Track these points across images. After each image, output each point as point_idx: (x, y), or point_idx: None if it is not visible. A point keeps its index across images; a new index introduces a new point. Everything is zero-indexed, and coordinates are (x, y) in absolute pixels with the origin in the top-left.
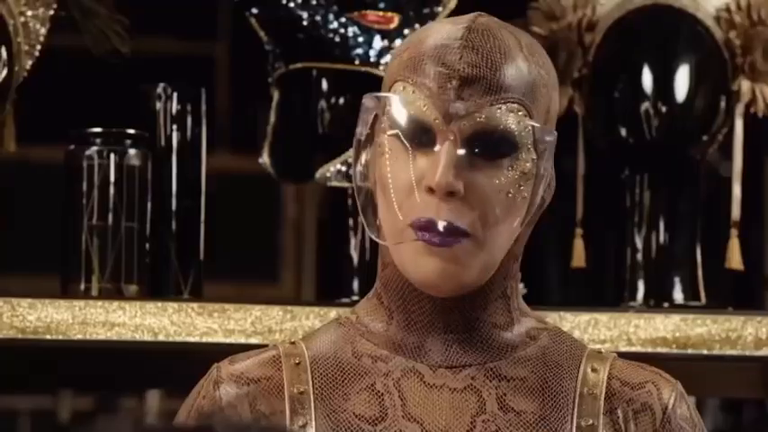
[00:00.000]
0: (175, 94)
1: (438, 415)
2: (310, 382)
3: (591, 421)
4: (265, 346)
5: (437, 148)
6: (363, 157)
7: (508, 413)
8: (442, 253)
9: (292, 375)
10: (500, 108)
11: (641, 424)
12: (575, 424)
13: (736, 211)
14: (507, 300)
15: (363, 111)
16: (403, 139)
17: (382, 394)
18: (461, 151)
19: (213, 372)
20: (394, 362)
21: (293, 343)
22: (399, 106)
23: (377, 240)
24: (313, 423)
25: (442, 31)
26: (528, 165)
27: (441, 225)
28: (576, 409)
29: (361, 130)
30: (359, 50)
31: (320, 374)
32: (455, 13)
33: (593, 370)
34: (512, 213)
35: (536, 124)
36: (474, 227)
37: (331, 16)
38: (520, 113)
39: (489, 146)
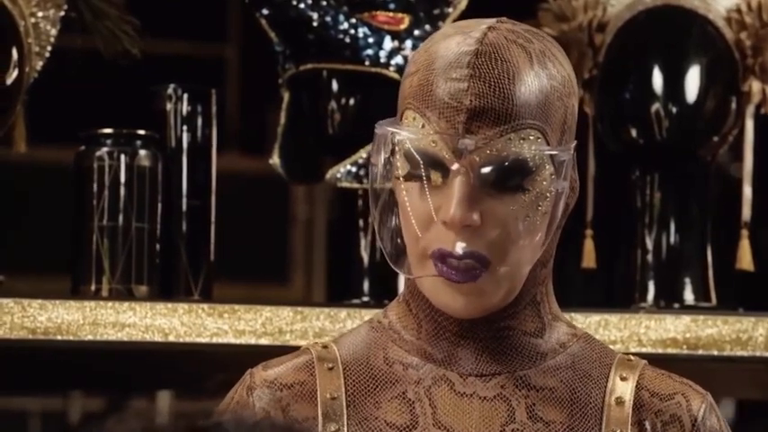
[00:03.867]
0: (186, 96)
1: (468, 423)
2: (343, 388)
3: (619, 430)
4: (276, 347)
5: (450, 178)
6: (379, 177)
7: (537, 423)
8: (463, 287)
9: (325, 381)
10: (510, 137)
11: None
12: None
13: (746, 212)
14: (537, 305)
15: (376, 138)
16: (417, 168)
17: (413, 402)
18: (474, 183)
19: (246, 377)
20: (425, 369)
21: (326, 347)
22: (410, 140)
23: (397, 270)
24: (345, 429)
25: (450, 52)
26: (545, 183)
27: (458, 251)
28: (604, 420)
29: (376, 157)
30: (369, 51)
31: (353, 381)
32: (465, 13)
33: (623, 379)
34: (531, 233)
35: (551, 150)
36: (493, 254)
37: (341, 17)
38: (532, 137)
39: (503, 175)
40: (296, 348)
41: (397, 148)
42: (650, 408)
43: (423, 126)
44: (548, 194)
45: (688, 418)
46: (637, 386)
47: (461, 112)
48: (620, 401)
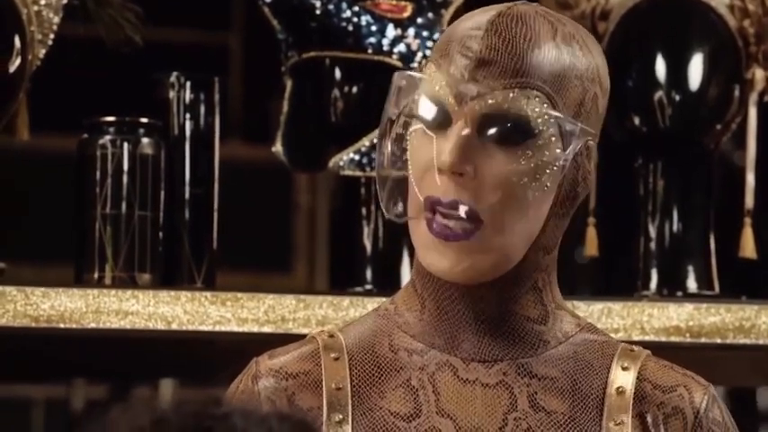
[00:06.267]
0: (189, 83)
1: (471, 411)
2: (348, 379)
3: (620, 420)
4: (279, 335)
5: (451, 126)
6: (394, 134)
7: (539, 412)
8: (452, 245)
9: (330, 371)
10: (514, 92)
11: (672, 428)
12: (604, 425)
13: (749, 200)
14: (539, 292)
15: (392, 87)
16: (424, 119)
17: (417, 390)
18: (472, 132)
19: (252, 366)
20: (429, 355)
21: (332, 336)
22: (421, 87)
23: (389, 217)
24: (350, 420)
25: (477, 17)
26: (548, 153)
27: (446, 202)
28: (605, 410)
29: (392, 110)
30: (372, 39)
31: (358, 370)
32: (468, 1)
33: (624, 369)
34: (528, 202)
35: (555, 113)
36: (484, 210)
37: (344, 5)
38: (537, 100)
39: (502, 130)
40: (299, 336)
41: (409, 97)
42: (652, 400)
43: (434, 73)
44: (550, 166)
45: (690, 410)
46: (639, 377)
47: (470, 59)
48: (620, 391)
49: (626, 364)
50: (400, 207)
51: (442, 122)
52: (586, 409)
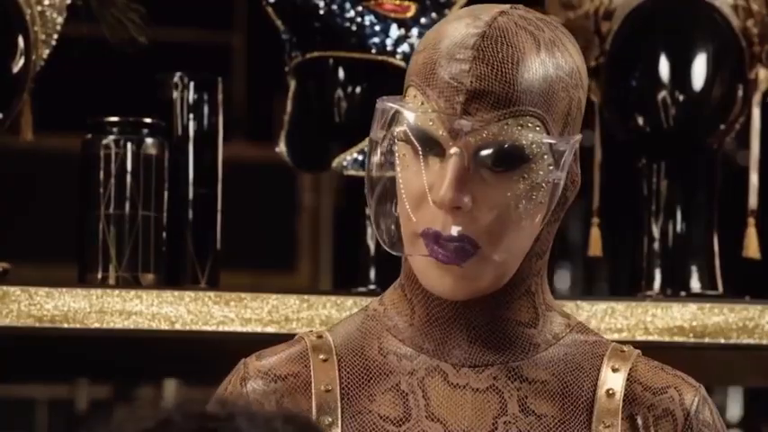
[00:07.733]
0: (192, 83)
1: (461, 415)
2: (337, 381)
3: (610, 422)
4: (282, 335)
5: (445, 159)
6: (378, 156)
7: (529, 416)
8: (452, 269)
9: (319, 372)
10: (508, 122)
11: (662, 430)
12: (593, 428)
13: (753, 200)
14: (532, 296)
15: (377, 113)
16: (414, 145)
17: (407, 394)
18: (468, 165)
19: (240, 368)
20: (419, 360)
21: (320, 337)
22: (409, 117)
23: (386, 248)
24: (339, 423)
25: (457, 33)
26: (542, 173)
27: (447, 233)
28: (595, 413)
29: (376, 132)
30: (375, 39)
31: (347, 373)
32: (472, 1)
33: (614, 370)
34: (524, 221)
35: (549, 140)
36: (482, 238)
37: (347, 5)
38: (530, 125)
39: (497, 160)
40: None
41: (396, 125)
42: (642, 402)
43: (422, 104)
44: (544, 185)
45: (681, 412)
46: (629, 379)
47: (461, 92)
48: (610, 393)
49: (616, 366)
50: (393, 228)
51: (434, 151)
52: (576, 411)
